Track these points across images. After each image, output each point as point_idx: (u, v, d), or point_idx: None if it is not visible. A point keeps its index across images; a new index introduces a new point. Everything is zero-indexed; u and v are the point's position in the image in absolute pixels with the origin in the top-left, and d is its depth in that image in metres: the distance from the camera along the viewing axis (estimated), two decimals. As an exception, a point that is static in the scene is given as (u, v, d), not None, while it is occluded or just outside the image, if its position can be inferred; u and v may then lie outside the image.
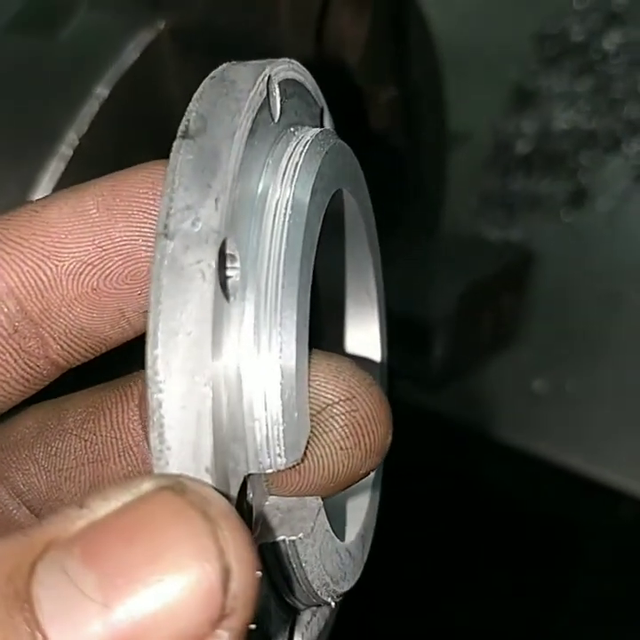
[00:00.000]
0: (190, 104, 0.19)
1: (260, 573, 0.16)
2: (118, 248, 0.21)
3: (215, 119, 0.19)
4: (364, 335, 0.26)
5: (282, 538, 0.20)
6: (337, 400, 0.21)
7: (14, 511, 0.25)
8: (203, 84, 0.20)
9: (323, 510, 0.21)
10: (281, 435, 0.19)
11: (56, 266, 0.21)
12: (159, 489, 0.16)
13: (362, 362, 0.25)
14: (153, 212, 0.21)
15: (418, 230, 0.56)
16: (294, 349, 0.19)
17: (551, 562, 0.80)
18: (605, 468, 0.78)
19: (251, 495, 0.20)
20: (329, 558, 0.21)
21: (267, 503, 0.20)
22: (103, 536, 0.16)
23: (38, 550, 0.16)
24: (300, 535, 0.20)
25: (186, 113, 0.19)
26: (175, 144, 0.19)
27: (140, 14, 0.37)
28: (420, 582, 0.77)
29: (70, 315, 0.22)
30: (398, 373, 0.55)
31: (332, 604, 0.22)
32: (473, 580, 0.79)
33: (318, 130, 0.22)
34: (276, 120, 0.21)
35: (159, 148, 0.38)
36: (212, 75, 0.20)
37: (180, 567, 0.15)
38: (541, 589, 0.79)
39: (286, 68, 0.21)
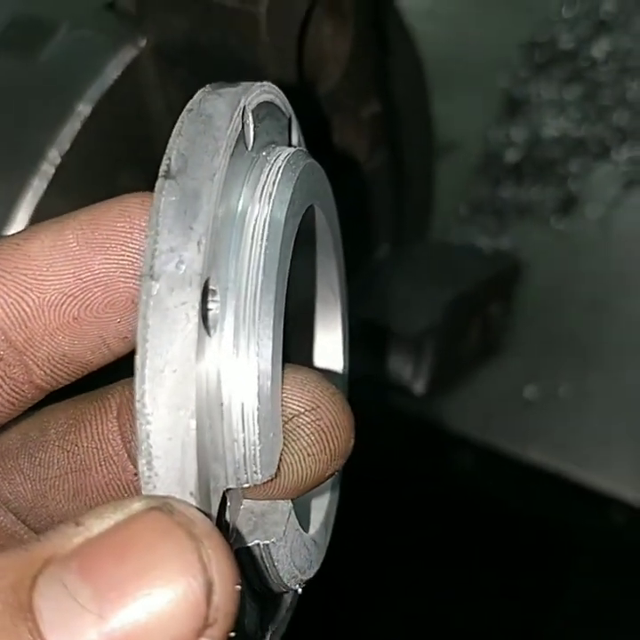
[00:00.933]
0: (170, 140, 0.20)
1: (239, 587, 0.17)
2: (97, 279, 0.22)
3: (195, 159, 0.20)
4: (328, 342, 0.27)
5: (256, 542, 0.21)
6: (303, 410, 0.22)
7: (1, 518, 0.26)
8: (181, 117, 0.21)
9: (293, 512, 0.22)
10: (257, 454, 0.20)
11: (38, 297, 0.22)
12: (149, 509, 0.18)
13: (325, 369, 0.27)
14: (130, 245, 0.22)
15: (406, 240, 0.57)
16: (270, 375, 0.20)
17: (545, 565, 0.80)
18: (597, 473, 0.78)
19: (228, 504, 0.21)
20: (298, 553, 0.23)
21: (242, 507, 0.22)
22: (98, 552, 0.17)
23: (39, 565, 0.17)
24: (274, 539, 0.21)
25: (167, 150, 0.20)
26: (158, 184, 0.20)
27: (122, 32, 0.37)
28: (416, 586, 0.77)
29: (53, 343, 0.23)
30: (388, 383, 0.56)
31: (299, 590, 0.23)
32: (467, 584, 0.80)
33: (290, 151, 0.23)
34: (250, 148, 0.21)
35: (142, 165, 0.39)
36: (189, 107, 0.21)
37: (168, 581, 0.17)
38: (535, 592, 0.79)
39: (259, 93, 0.22)
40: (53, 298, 0.22)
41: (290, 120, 0.24)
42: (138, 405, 0.19)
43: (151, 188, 0.39)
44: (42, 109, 0.35)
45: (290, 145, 0.24)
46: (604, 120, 0.86)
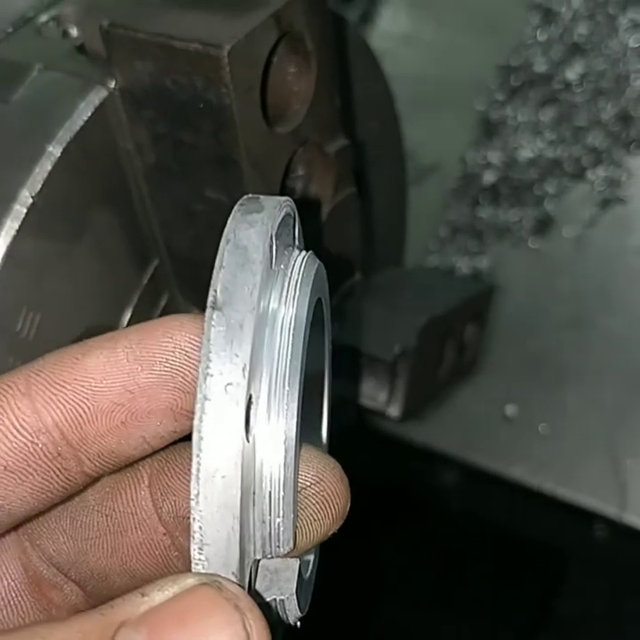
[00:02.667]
0: (214, 271, 0.24)
1: None
2: (143, 391, 0.26)
3: (237, 293, 0.24)
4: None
5: (273, 597, 0.26)
6: (309, 484, 0.27)
7: (44, 571, 0.30)
8: (221, 248, 0.25)
9: (300, 568, 0.27)
10: (281, 532, 0.25)
11: (93, 405, 0.26)
12: (201, 584, 0.23)
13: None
14: (171, 362, 0.26)
15: (378, 268, 0.58)
16: (292, 468, 0.25)
17: (530, 580, 0.81)
18: (578, 490, 0.79)
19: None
20: (302, 598, 0.27)
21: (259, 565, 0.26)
22: (162, 619, 0.22)
23: (114, 628, 0.22)
24: (287, 595, 0.26)
25: (212, 281, 0.24)
26: (207, 314, 0.24)
27: (92, 74, 0.38)
28: (399, 602, 0.78)
29: (103, 442, 0.27)
30: (365, 408, 0.56)
31: (298, 624, 0.27)
32: (451, 602, 0.80)
33: (302, 260, 0.27)
34: (273, 266, 0.26)
35: (113, 202, 0.40)
36: (226, 236, 0.25)
37: None
38: (520, 609, 0.80)
39: (280, 215, 0.26)
40: (105, 406, 0.26)
41: (294, 218, 0.28)
42: (192, 503, 0.23)
43: (123, 224, 0.40)
44: (13, 150, 0.36)
45: (294, 240, 0.28)
46: (579, 141, 0.87)
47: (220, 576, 0.23)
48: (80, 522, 0.29)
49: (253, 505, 0.24)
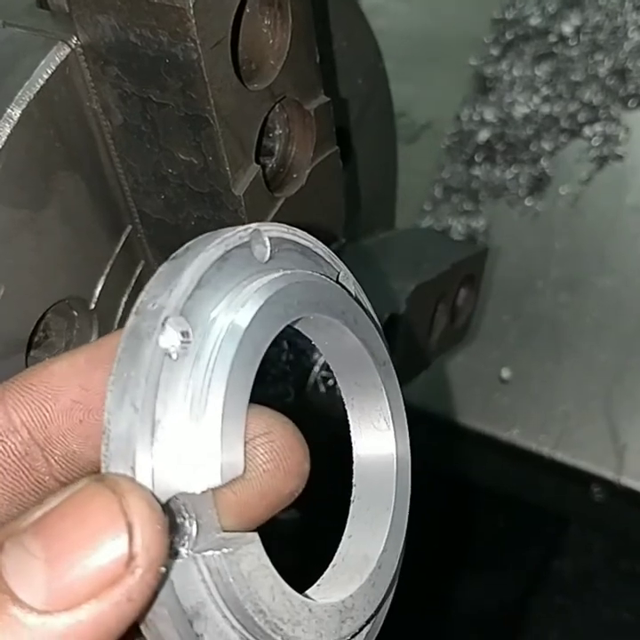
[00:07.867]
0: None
1: (160, 527, 0.23)
2: (97, 389, 0.28)
3: (193, 249, 0.26)
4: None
5: (211, 553, 0.25)
6: (258, 434, 0.27)
7: None
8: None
9: (259, 543, 0.25)
10: (209, 461, 0.24)
11: (55, 404, 0.28)
12: (88, 483, 0.23)
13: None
14: None
15: (364, 232, 0.56)
16: (222, 403, 0.25)
17: (529, 542, 0.80)
18: (575, 453, 0.78)
19: (192, 515, 0.25)
20: (263, 586, 0.25)
21: (217, 535, 0.25)
22: (47, 518, 0.23)
23: (4, 536, 0.23)
24: (225, 550, 0.24)
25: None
26: (162, 264, 0.26)
27: (53, 31, 0.36)
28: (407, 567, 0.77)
29: (65, 442, 0.29)
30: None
31: None
32: (453, 563, 0.80)
33: (309, 271, 0.27)
34: (264, 260, 0.27)
35: (79, 166, 0.38)
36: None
37: (98, 527, 0.23)
38: (521, 568, 0.80)
39: (284, 231, 0.28)
40: (66, 404, 0.28)
41: (339, 274, 0.30)
42: (106, 401, 0.24)
43: (92, 190, 0.39)
44: (-30, 114, 0.34)
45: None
46: (575, 97, 0.84)
47: (109, 473, 0.24)
48: None
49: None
